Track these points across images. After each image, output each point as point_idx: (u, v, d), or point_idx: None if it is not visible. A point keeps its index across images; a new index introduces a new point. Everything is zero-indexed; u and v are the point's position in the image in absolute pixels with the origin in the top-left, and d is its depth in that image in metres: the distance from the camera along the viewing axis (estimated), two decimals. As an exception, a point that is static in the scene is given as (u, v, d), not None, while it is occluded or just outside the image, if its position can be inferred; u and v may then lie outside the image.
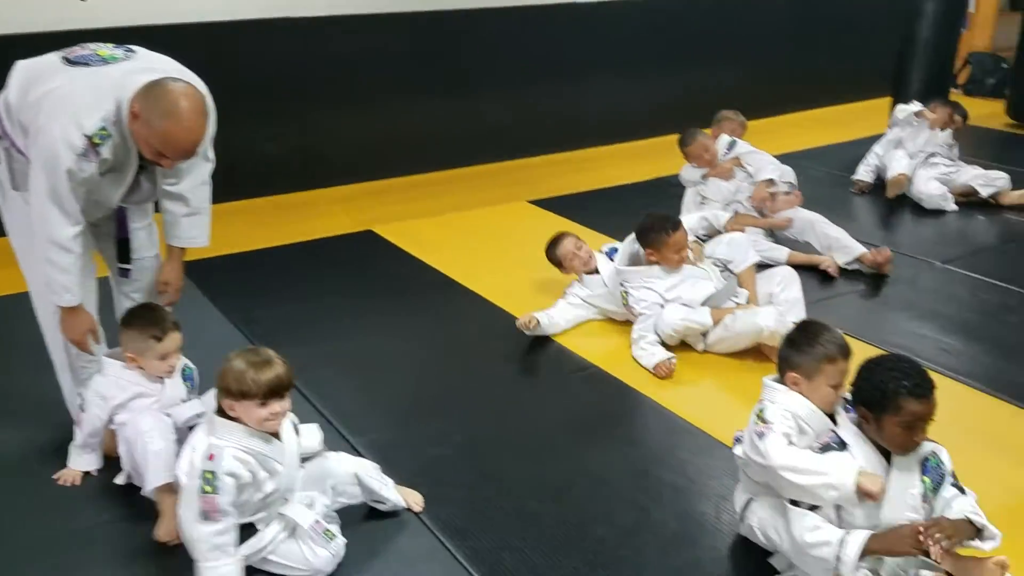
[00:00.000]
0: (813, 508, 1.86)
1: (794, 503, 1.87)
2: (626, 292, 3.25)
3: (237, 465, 1.91)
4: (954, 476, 1.92)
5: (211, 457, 1.90)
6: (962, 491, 1.90)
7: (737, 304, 3.19)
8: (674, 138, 4.41)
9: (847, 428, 1.91)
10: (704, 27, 6.27)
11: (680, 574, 2.08)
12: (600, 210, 4.75)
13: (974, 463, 2.43)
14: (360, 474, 2.19)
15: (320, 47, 4.94)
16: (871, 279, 3.77)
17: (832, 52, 6.87)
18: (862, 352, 2.78)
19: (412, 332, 3.40)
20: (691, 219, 3.63)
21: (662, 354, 3.04)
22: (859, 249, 3.78)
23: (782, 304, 3.18)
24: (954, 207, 4.58)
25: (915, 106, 4.85)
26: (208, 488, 1.88)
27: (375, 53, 5.11)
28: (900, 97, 5.61)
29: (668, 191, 4.97)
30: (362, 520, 2.22)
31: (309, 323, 3.40)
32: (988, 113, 6.57)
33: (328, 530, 2.05)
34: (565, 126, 5.91)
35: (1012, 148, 5.76)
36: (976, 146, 5.11)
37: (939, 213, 4.55)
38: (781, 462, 1.85)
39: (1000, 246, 4.18)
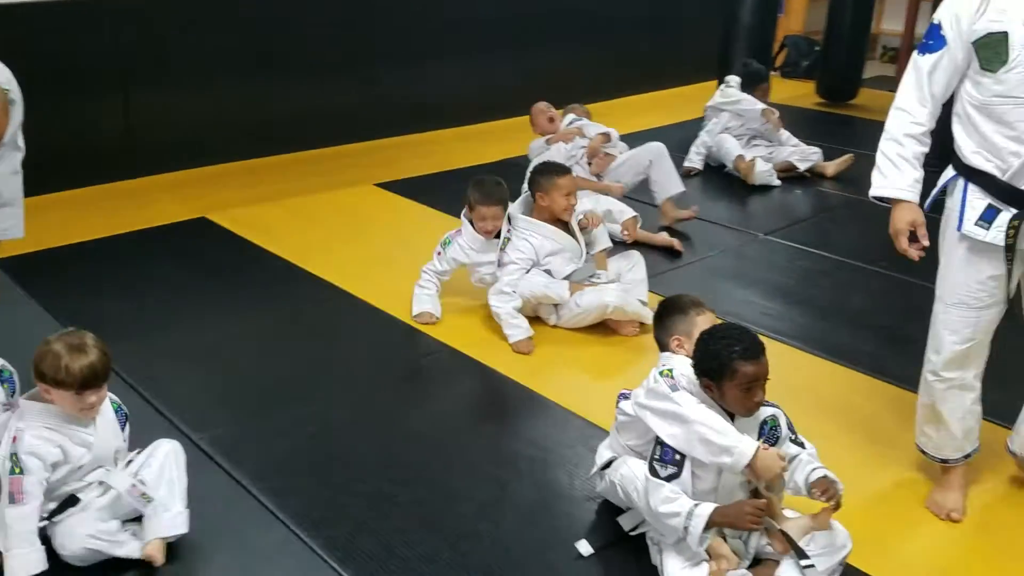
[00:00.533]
0: (669, 479, 1.94)
1: (653, 473, 1.95)
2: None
3: (39, 444, 1.93)
4: (794, 432, 2.06)
5: (14, 439, 1.92)
6: (802, 446, 2.06)
7: (593, 281, 3.30)
8: (519, 120, 4.49)
9: (699, 397, 2.00)
10: (540, 11, 6.38)
11: (538, 542, 2.15)
12: (450, 192, 4.73)
13: (795, 416, 2.65)
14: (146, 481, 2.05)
15: (145, 27, 4.66)
16: (703, 254, 4.01)
17: (660, 38, 7.17)
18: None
19: (255, 322, 3.30)
20: None
21: (526, 330, 3.12)
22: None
23: (629, 283, 3.34)
24: (778, 182, 4.92)
25: (737, 94, 5.11)
26: (16, 469, 1.91)
27: (205, 30, 4.86)
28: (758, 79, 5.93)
29: (517, 172, 5.06)
30: (208, 513, 2.14)
31: (142, 317, 3.23)
32: (801, 93, 7.09)
33: (145, 494, 2.00)
34: (412, 108, 5.86)
35: (823, 125, 6.25)
36: (792, 124, 5.51)
37: (766, 188, 4.88)
38: (696, 416, 1.93)
39: (814, 216, 4.55)
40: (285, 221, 4.29)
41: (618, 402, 2.20)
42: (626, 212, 3.86)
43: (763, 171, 4.88)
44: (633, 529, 2.11)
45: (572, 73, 6.58)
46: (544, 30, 6.40)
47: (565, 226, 3.33)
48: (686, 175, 5.04)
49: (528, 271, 3.23)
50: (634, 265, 3.43)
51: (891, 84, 7.38)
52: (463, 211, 3.35)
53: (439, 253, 3.34)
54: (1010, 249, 2.07)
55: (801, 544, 1.90)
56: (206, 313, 3.33)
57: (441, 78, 5.92)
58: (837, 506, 1.93)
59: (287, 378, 2.90)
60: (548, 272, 3.26)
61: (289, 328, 3.28)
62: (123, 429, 2.11)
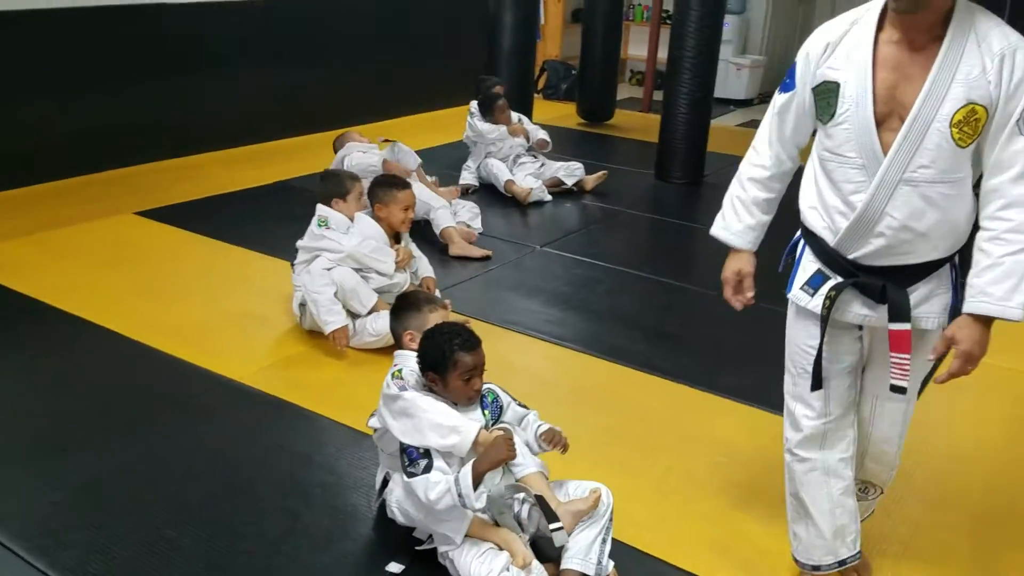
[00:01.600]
0: (426, 471, 1.98)
1: (410, 477, 1.98)
2: (326, 220, 3.28)
3: None
4: (516, 400, 2.21)
5: None
6: (526, 408, 2.21)
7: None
8: (294, 140, 4.40)
9: (422, 392, 2.09)
10: (303, 33, 6.30)
11: (340, 569, 2.10)
12: (223, 218, 4.56)
13: (581, 413, 2.81)
14: None
15: None
16: (484, 265, 4.14)
17: (427, 61, 7.34)
18: (489, 333, 3.06)
19: (5, 369, 2.95)
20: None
21: (344, 319, 3.13)
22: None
23: None
24: (549, 197, 5.19)
25: (488, 128, 5.29)
26: None
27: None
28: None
29: (295, 194, 4.94)
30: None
31: None
32: (563, 114, 7.53)
33: None
34: (173, 131, 5.55)
35: (584, 143, 6.67)
36: (556, 143, 5.83)
37: (539, 204, 5.12)
38: (423, 405, 1.99)
39: (584, 228, 4.83)
40: (34, 258, 3.89)
41: (370, 419, 2.24)
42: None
43: (535, 189, 5.12)
44: (421, 544, 2.12)
45: (338, 95, 6.57)
46: (307, 52, 6.32)
47: (398, 240, 3.40)
48: (464, 193, 5.18)
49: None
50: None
51: (639, 104, 8.09)
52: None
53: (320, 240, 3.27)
54: (825, 320, 1.87)
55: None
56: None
57: (201, 101, 5.66)
58: (564, 449, 2.10)
59: (49, 426, 2.62)
60: (364, 278, 3.26)
61: (48, 373, 2.97)
62: None
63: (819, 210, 1.85)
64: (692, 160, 5.65)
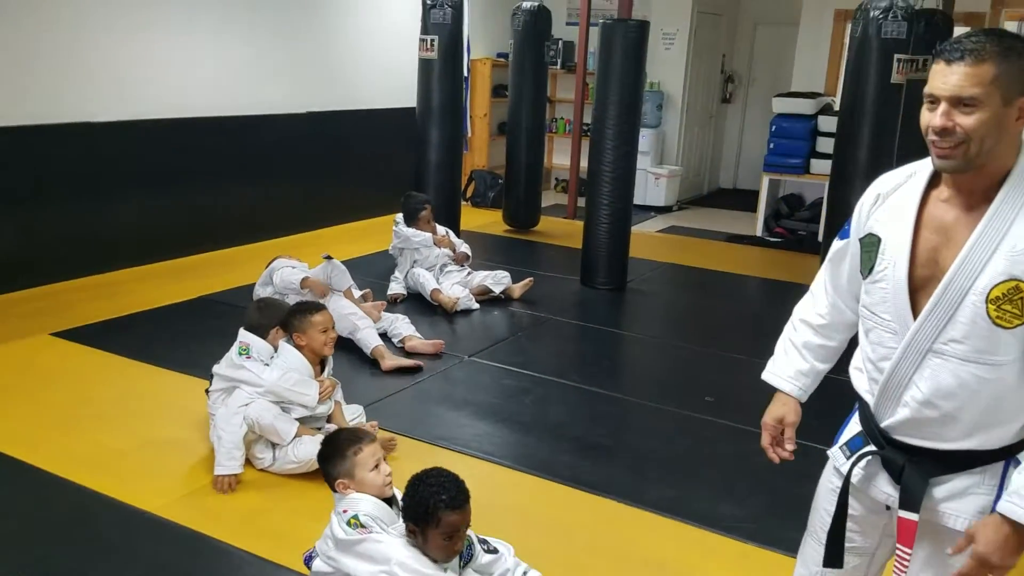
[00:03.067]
0: None
1: None
2: (247, 349, 3.19)
3: None
4: (485, 542, 2.13)
5: None
6: (495, 551, 2.14)
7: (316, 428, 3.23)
8: (216, 253, 4.35)
9: (407, 545, 2.01)
10: (236, 146, 6.37)
11: None
12: (140, 337, 4.44)
13: (508, 534, 2.76)
14: None
15: None
16: (413, 377, 4.12)
17: (362, 173, 7.50)
18: (417, 450, 3.02)
19: None
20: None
21: (239, 467, 3.00)
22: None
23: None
24: (476, 305, 5.23)
25: (414, 232, 5.36)
26: None
27: None
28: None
29: (214, 309, 4.87)
30: None
31: None
32: (490, 221, 7.70)
33: None
34: (87, 247, 5.45)
35: (511, 249, 6.81)
36: (483, 250, 5.94)
37: (466, 312, 5.16)
38: (399, 555, 1.91)
39: (512, 336, 4.88)
40: (-66, 384, 3.71)
41: (308, 565, 2.15)
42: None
43: (462, 298, 5.17)
44: None
45: (264, 208, 6.62)
46: (233, 165, 6.38)
47: (323, 366, 3.30)
48: (393, 302, 5.20)
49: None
50: (358, 415, 3.50)
51: (564, 211, 8.33)
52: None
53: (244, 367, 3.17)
54: (846, 485, 1.70)
55: None
56: None
57: (118, 216, 5.60)
58: None
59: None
60: (284, 410, 3.15)
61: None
62: None
63: (862, 371, 1.69)
64: (615, 266, 5.81)
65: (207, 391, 3.32)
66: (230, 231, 6.37)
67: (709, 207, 9.28)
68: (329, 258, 4.74)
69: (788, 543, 2.77)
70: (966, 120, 1.43)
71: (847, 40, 6.16)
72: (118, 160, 5.58)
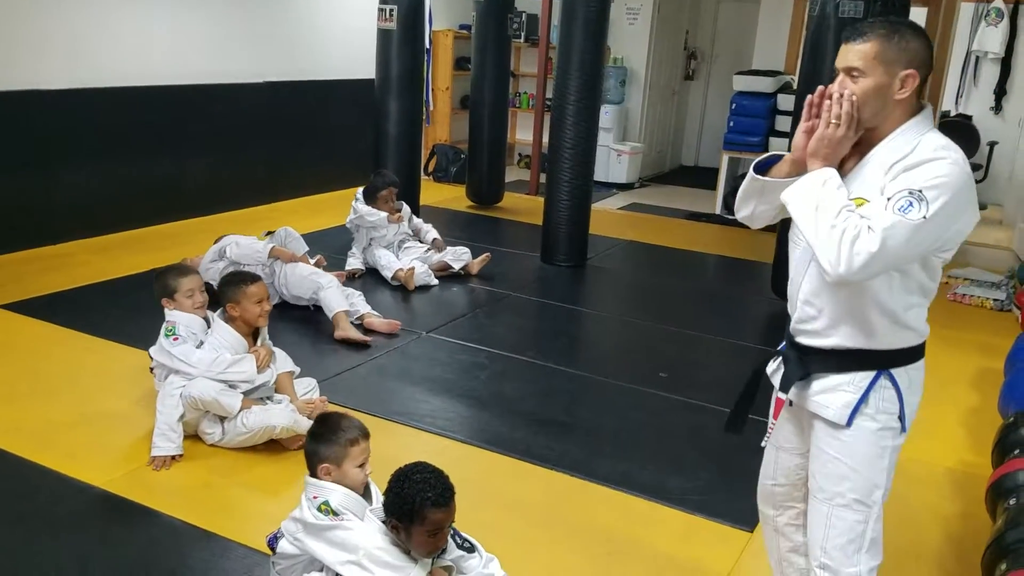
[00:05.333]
0: None
1: None
2: (173, 328, 3.11)
3: None
4: (460, 536, 2.12)
5: None
6: (472, 548, 2.12)
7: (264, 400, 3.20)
8: (172, 225, 4.28)
9: (380, 534, 2.00)
10: (194, 117, 6.24)
11: None
12: (93, 310, 4.37)
13: (463, 509, 2.78)
14: None
15: None
16: (369, 352, 4.10)
17: (320, 146, 7.40)
18: (373, 426, 3.01)
19: None
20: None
21: (177, 448, 2.98)
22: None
23: (304, 398, 3.37)
24: (435, 281, 5.22)
25: (368, 211, 5.30)
26: None
27: None
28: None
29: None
30: None
31: None
32: (453, 197, 7.67)
33: None
34: (41, 218, 5.33)
35: (472, 225, 6.79)
36: (445, 226, 5.91)
37: (425, 288, 5.14)
38: (367, 542, 1.91)
39: (471, 312, 4.88)
40: None
41: (272, 546, 2.14)
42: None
43: (420, 273, 5.14)
44: None
45: (222, 180, 6.52)
46: (190, 136, 6.26)
47: (255, 336, 3.25)
48: (351, 277, 5.16)
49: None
50: (311, 388, 3.49)
51: (526, 187, 8.31)
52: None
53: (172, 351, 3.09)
54: (758, 375, 2.02)
55: None
56: None
57: (73, 186, 5.48)
58: None
59: None
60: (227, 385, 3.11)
61: None
62: None
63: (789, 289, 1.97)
64: (576, 243, 5.83)
65: (151, 368, 3.28)
66: (185, 203, 6.26)
67: (671, 184, 9.33)
68: (270, 233, 4.71)
69: (734, 515, 2.84)
70: (846, 86, 1.76)
71: (807, 18, 6.19)
72: (71, 129, 5.45)
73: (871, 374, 1.79)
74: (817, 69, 5.03)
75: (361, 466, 2.16)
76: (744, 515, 2.84)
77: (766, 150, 7.56)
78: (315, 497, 2.04)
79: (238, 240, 4.59)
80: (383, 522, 1.99)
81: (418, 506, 1.90)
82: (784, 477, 2.05)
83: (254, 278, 3.27)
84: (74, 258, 5.20)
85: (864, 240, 1.61)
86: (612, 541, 2.71)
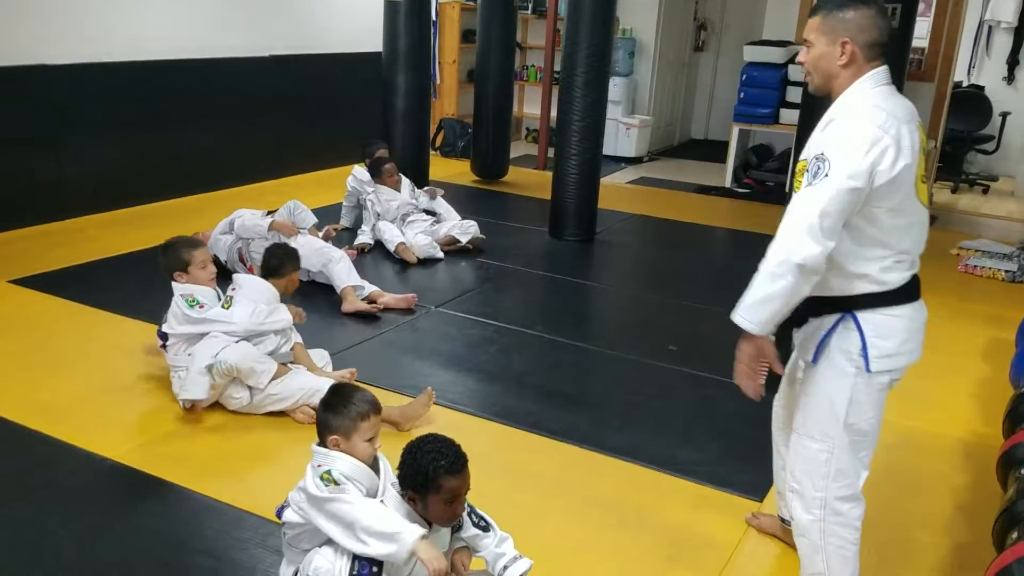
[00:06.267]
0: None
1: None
2: (194, 298, 3.14)
3: None
4: (476, 515, 2.10)
5: None
6: (486, 527, 2.10)
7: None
8: (181, 200, 4.28)
9: (397, 504, 1.99)
10: (201, 91, 6.22)
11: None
12: (103, 284, 4.39)
13: (475, 481, 2.79)
14: None
15: None
16: (379, 326, 4.11)
17: (327, 120, 7.36)
18: (383, 399, 3.02)
19: None
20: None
21: (203, 392, 3.03)
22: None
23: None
24: (440, 254, 5.21)
25: (366, 181, 5.39)
26: None
27: None
28: (390, 158, 6.24)
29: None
30: None
31: None
32: (459, 172, 7.63)
33: None
34: (46, 194, 5.33)
35: (478, 200, 6.76)
36: (452, 201, 5.89)
37: (433, 262, 5.14)
38: (361, 512, 1.92)
39: (479, 287, 4.87)
40: None
41: (280, 517, 2.14)
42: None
43: (424, 245, 5.14)
44: None
45: (230, 155, 6.50)
46: (197, 111, 6.24)
47: None
48: (360, 251, 5.16)
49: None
50: (324, 362, 3.52)
51: (534, 162, 8.27)
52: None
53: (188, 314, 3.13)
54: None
55: None
56: None
57: (81, 161, 5.48)
58: None
59: None
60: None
61: None
62: None
63: None
64: (584, 217, 5.80)
65: (163, 345, 3.29)
66: (193, 178, 6.25)
67: (680, 158, 9.27)
68: (271, 212, 4.74)
69: (744, 485, 2.85)
70: (804, 56, 2.06)
71: (819, -12, 6.09)
72: (77, 104, 5.44)
73: (835, 317, 2.01)
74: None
75: (370, 440, 2.14)
76: (754, 486, 2.85)
77: (777, 122, 7.55)
78: (319, 466, 2.05)
79: (243, 213, 4.60)
80: (400, 495, 2.00)
81: (432, 474, 1.90)
82: (785, 399, 2.33)
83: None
84: (83, 233, 5.21)
85: (792, 227, 1.91)
86: (622, 512, 2.72)
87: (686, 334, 4.26)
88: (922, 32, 7.03)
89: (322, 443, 2.14)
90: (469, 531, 2.09)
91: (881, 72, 1.98)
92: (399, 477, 1.98)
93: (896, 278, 1.97)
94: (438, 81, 8.75)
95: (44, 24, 5.19)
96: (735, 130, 7.77)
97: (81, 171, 5.50)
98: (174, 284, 3.23)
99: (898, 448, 3.19)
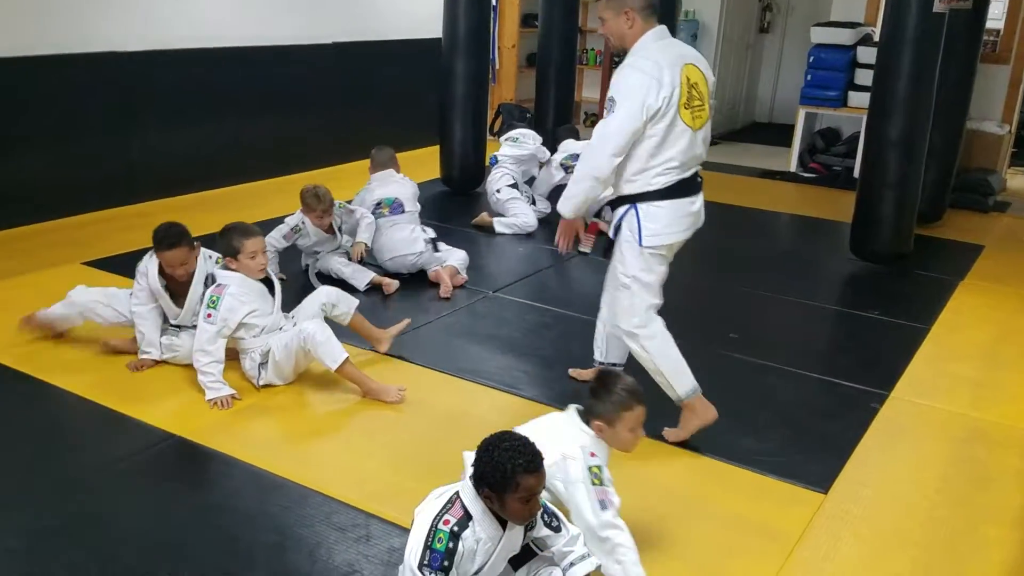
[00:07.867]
0: None
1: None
2: (216, 299, 3.21)
3: None
4: (549, 515, 2.08)
5: None
6: (558, 528, 2.09)
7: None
8: (245, 186, 4.34)
9: (475, 502, 1.97)
10: (265, 80, 6.34)
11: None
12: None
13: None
14: None
15: None
16: (438, 311, 4.14)
17: (387, 108, 7.41)
18: (442, 382, 3.05)
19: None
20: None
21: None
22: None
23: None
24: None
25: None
26: None
27: None
28: (447, 145, 6.28)
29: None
30: None
31: None
32: (520, 156, 7.60)
33: None
34: (119, 179, 5.50)
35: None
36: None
37: (494, 246, 5.19)
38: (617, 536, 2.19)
39: (536, 272, 4.86)
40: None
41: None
42: None
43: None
44: None
45: (292, 142, 6.60)
46: (261, 99, 6.35)
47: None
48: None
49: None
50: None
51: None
52: (221, 265, 3.32)
53: (208, 316, 3.18)
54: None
55: None
56: None
57: (150, 148, 5.63)
58: None
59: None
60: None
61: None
62: None
63: None
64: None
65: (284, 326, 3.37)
66: (257, 165, 6.37)
67: (743, 142, 9.08)
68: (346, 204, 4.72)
69: (807, 476, 2.79)
70: (603, 27, 2.87)
71: (891, -34, 5.88)
72: (147, 91, 5.59)
73: (625, 207, 2.86)
74: (900, 20, 4.79)
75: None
76: (818, 477, 2.79)
77: (844, 104, 7.34)
78: (590, 458, 2.22)
79: (395, 179, 4.87)
80: (475, 493, 1.96)
81: (510, 473, 1.88)
82: (609, 273, 3.05)
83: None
84: (153, 218, 5.29)
85: (591, 149, 2.79)
86: (683, 500, 2.69)
87: (748, 321, 4.18)
88: (996, 13, 6.73)
89: (587, 420, 2.30)
90: (541, 531, 2.07)
91: (659, 29, 2.77)
92: (475, 475, 1.94)
93: (663, 180, 2.77)
94: (497, 66, 8.73)
95: (113, 12, 5.34)
96: (801, 113, 7.57)
97: (150, 157, 5.66)
98: (218, 272, 3.30)
99: (969, 441, 3.08)
